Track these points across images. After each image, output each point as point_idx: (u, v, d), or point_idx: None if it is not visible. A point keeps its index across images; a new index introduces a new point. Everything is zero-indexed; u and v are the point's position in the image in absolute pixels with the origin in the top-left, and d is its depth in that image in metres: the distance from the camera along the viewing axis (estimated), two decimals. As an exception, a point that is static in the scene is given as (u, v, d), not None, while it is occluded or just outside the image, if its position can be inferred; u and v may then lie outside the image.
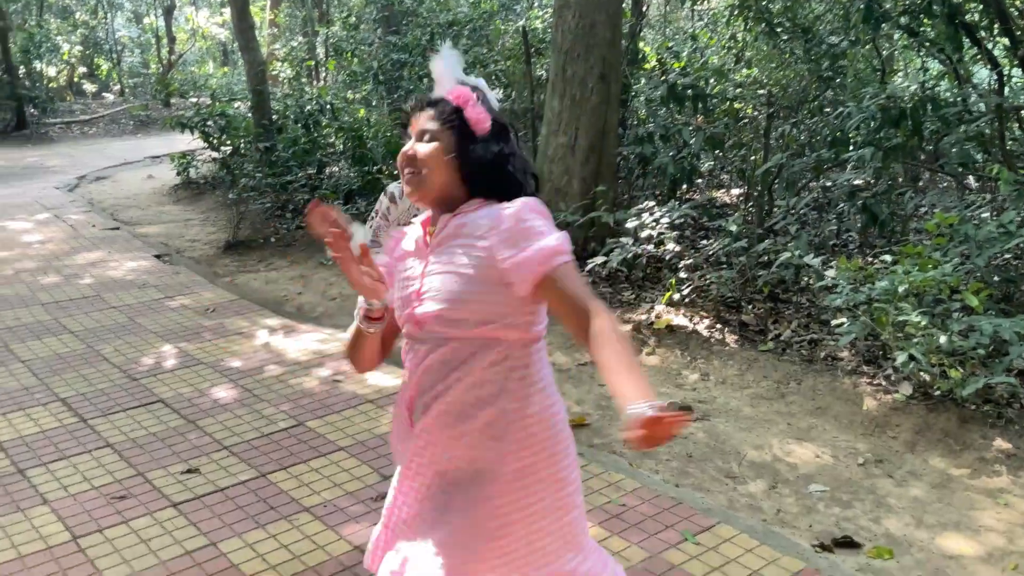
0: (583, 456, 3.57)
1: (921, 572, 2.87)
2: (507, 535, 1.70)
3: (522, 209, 1.66)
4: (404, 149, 1.78)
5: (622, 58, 7.01)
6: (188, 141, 10.84)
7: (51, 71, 20.93)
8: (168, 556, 2.94)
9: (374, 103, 11.09)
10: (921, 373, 3.85)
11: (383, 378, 4.38)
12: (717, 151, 7.22)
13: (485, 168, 1.74)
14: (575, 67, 6.41)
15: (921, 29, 6.55)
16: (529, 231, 1.64)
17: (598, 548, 1.90)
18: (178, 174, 10.38)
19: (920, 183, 7.50)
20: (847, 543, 3.01)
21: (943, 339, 3.62)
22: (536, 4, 13.04)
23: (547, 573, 1.74)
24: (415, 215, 2.75)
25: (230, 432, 3.88)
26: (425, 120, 1.78)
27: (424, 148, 1.75)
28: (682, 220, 5.45)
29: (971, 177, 6.81)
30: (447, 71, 1.83)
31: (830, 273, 4.37)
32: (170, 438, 3.83)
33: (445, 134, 1.75)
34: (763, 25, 7.53)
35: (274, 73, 14.49)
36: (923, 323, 3.68)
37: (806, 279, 5.25)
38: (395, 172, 8.14)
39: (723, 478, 3.51)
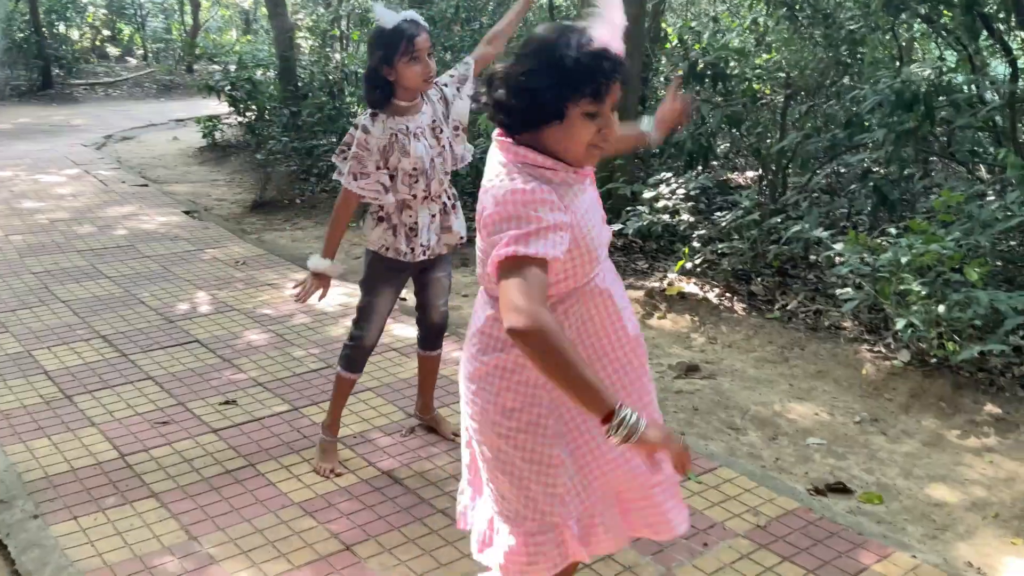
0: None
1: (908, 516, 3.09)
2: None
3: None
4: (608, 127, 1.70)
5: (644, 36, 7.18)
6: (213, 106, 11.06)
7: (75, 34, 21.15)
8: (210, 474, 3.18)
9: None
10: (919, 341, 4.05)
11: (405, 329, 4.61)
12: (734, 130, 7.39)
13: None
14: (599, 42, 6.58)
15: (939, 18, 6.69)
16: None
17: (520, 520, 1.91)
18: (204, 136, 10.60)
19: (932, 170, 7.66)
20: (840, 489, 3.23)
21: (941, 309, 3.82)
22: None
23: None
24: (394, 131, 2.90)
25: (263, 371, 4.12)
26: (618, 89, 1.69)
27: (615, 116, 1.73)
28: (697, 192, 5.64)
29: (982, 167, 6.97)
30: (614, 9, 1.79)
31: (838, 246, 4.56)
32: (207, 374, 4.07)
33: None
34: (784, 9, 7.68)
35: (298, 41, 14.66)
36: (923, 293, 3.88)
37: (814, 256, 5.45)
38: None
39: (726, 429, 3.73)
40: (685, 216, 5.45)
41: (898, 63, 7.84)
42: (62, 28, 19.50)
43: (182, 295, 5.21)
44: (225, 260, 5.97)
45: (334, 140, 9.20)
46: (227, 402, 3.77)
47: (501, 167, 1.73)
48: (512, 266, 1.61)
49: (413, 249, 3.05)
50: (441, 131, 3.02)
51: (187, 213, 7.38)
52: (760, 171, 7.62)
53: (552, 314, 1.65)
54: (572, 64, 1.62)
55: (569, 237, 1.69)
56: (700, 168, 7.77)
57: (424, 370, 3.44)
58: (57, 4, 19.02)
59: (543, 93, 1.63)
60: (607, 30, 1.70)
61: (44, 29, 17.31)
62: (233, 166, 9.86)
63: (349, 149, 2.97)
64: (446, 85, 3.07)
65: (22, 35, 17.12)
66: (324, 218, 7.37)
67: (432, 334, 3.35)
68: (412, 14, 2.90)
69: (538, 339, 1.56)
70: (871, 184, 5.77)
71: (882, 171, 6.00)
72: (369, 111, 2.96)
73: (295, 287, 3.16)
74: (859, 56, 7.45)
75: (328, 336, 4.57)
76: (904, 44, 8.17)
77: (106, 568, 2.64)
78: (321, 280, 3.12)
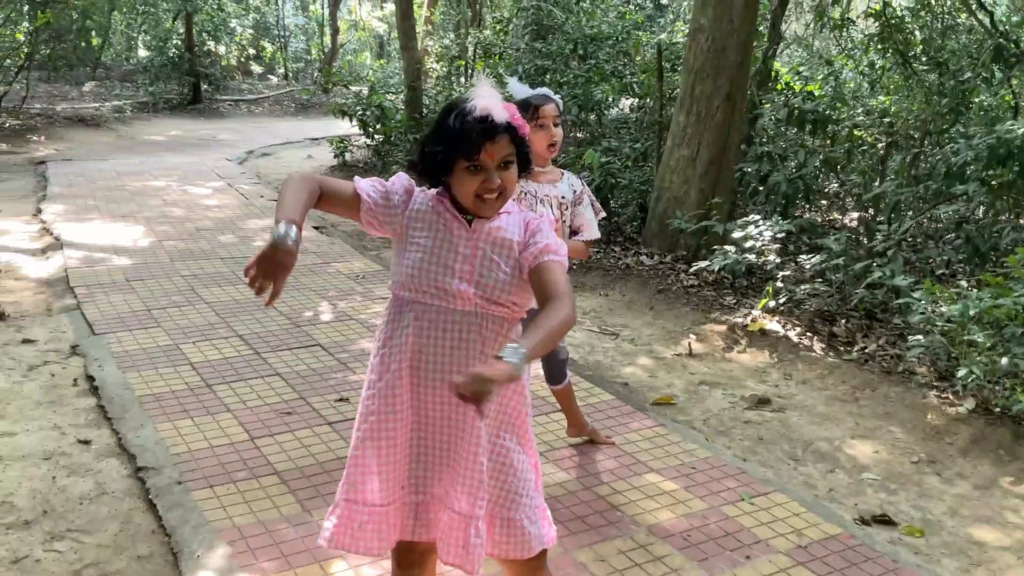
0: (665, 427, 4.16)
1: (946, 550, 3.33)
2: None
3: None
4: (488, 180, 2.02)
5: (749, 80, 7.48)
6: (345, 127, 11.94)
7: (222, 51, 22.82)
8: (324, 459, 3.72)
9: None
10: (984, 390, 4.24)
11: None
12: (833, 174, 7.58)
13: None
14: (703, 86, 6.94)
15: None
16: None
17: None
18: (335, 156, 11.44)
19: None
20: (885, 520, 3.48)
21: (1004, 360, 4.01)
22: (680, 18, 13.49)
23: None
24: (524, 191, 3.32)
25: (373, 375, 4.66)
26: (502, 146, 2.03)
27: (509, 175, 2.06)
28: (784, 235, 5.90)
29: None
30: (487, 86, 2.09)
31: (916, 294, 4.77)
32: (326, 373, 4.65)
33: (515, 156, 2.08)
34: (898, 56, 7.83)
35: (426, 68, 15.53)
36: (988, 344, 4.08)
37: (899, 302, 5.63)
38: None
39: (787, 459, 4.02)
40: (771, 257, 5.73)
41: (1014, 114, 7.85)
42: (212, 46, 21.10)
43: (308, 303, 5.85)
44: (347, 274, 6.61)
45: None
46: (341, 399, 4.32)
47: None
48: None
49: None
50: (566, 209, 3.45)
51: (316, 228, 8.10)
52: (860, 213, 7.77)
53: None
54: (451, 132, 2.02)
55: (381, 192, 2.15)
56: (800, 207, 7.98)
57: (561, 400, 3.86)
58: (209, 24, 20.60)
59: (434, 154, 2.06)
60: (485, 99, 2.03)
61: (196, 47, 18.80)
62: (359, 185, 10.61)
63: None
64: (576, 192, 3.50)
65: (176, 52, 18.66)
66: (438, 239, 7.95)
67: (555, 371, 3.75)
68: (546, 90, 3.38)
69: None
70: (964, 235, 5.91)
71: (976, 223, 6.11)
72: None
73: None
74: (968, 105, 7.52)
75: (432, 348, 5.08)
76: (1020, 95, 8.16)
77: (235, 529, 3.19)
78: None
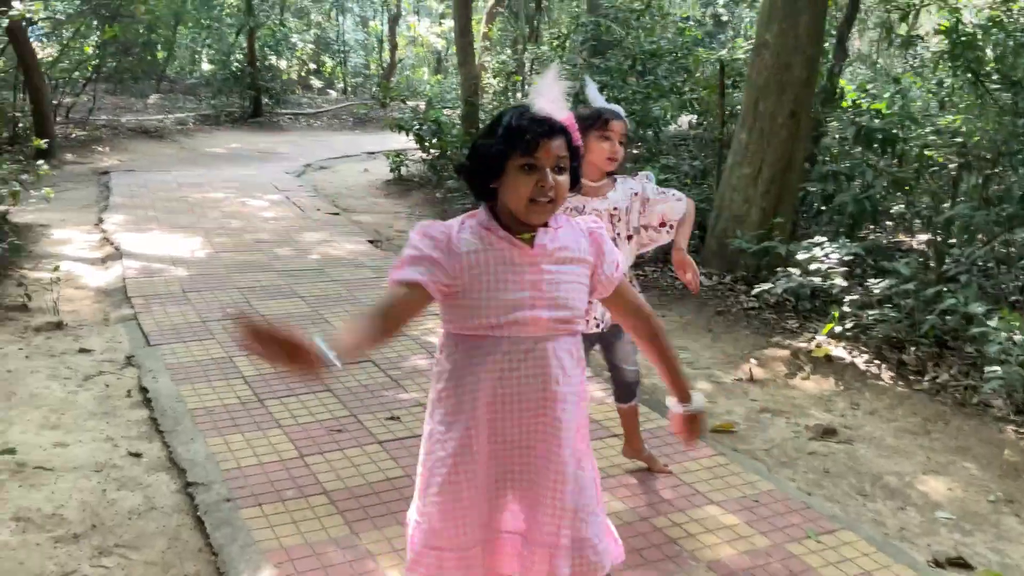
0: (725, 456, 4.00)
1: (1028, 600, 3.12)
2: None
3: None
4: (544, 180, 1.94)
5: (815, 98, 7.28)
6: (401, 141, 11.97)
7: (283, 65, 23.19)
8: (374, 480, 3.64)
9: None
10: (1068, 427, 4.00)
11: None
12: (901, 195, 7.33)
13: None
14: (767, 103, 6.77)
15: None
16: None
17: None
18: (391, 171, 11.48)
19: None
20: (960, 563, 3.28)
21: (1091, 396, 3.77)
22: (740, 35, 13.30)
23: None
24: (569, 207, 3.16)
25: (424, 392, 4.56)
26: (559, 148, 1.96)
27: (562, 180, 1.98)
28: (851, 257, 5.70)
29: None
30: (553, 89, 2.02)
31: (992, 323, 4.54)
32: (377, 390, 4.59)
33: (568, 163, 2.00)
34: (969, 74, 7.56)
35: (483, 83, 15.56)
36: (1073, 378, 3.84)
37: (974, 330, 5.38)
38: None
39: (854, 494, 3.83)
40: (837, 280, 5.53)
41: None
42: (273, 60, 21.45)
43: (360, 318, 5.80)
44: (400, 289, 6.56)
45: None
46: (392, 418, 4.25)
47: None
48: (388, 288, 2.01)
49: (587, 322, 3.25)
50: (619, 220, 3.32)
51: (371, 243, 8.10)
52: (928, 237, 7.49)
53: (386, 326, 1.97)
54: (508, 128, 1.95)
55: (438, 272, 1.97)
56: (866, 228, 7.74)
57: (624, 419, 3.78)
58: (271, 39, 20.95)
59: (487, 154, 1.97)
60: (547, 102, 1.99)
61: (257, 62, 19.12)
62: (415, 199, 10.63)
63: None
64: (636, 193, 3.37)
65: (239, 66, 19.00)
66: (492, 255, 7.88)
67: (624, 391, 3.68)
68: (620, 108, 3.30)
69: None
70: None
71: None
72: None
73: None
74: (1046, 126, 7.21)
75: (485, 367, 5.00)
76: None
77: (282, 550, 3.12)
78: None
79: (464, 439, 2.05)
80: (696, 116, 10.30)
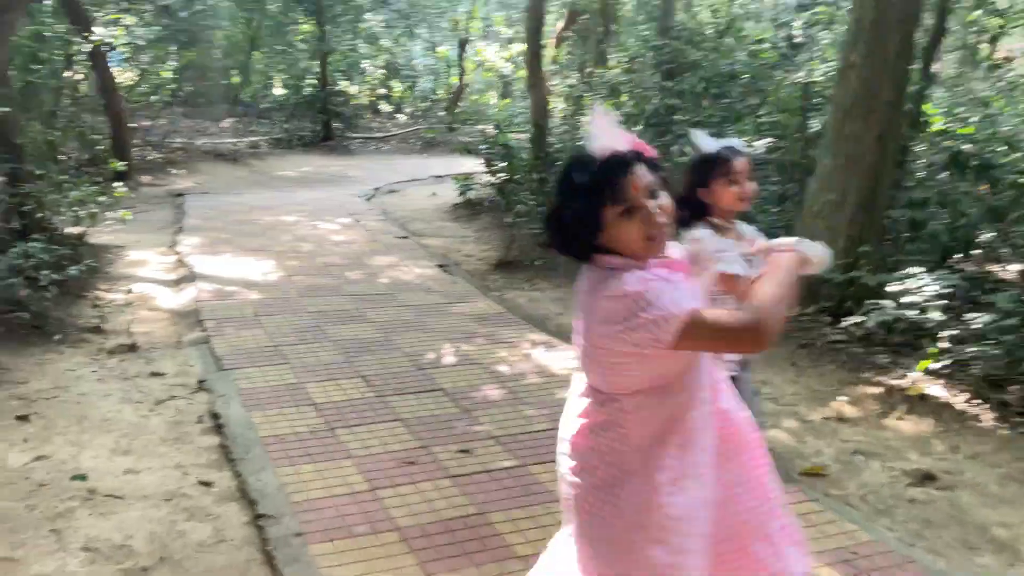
0: (818, 502, 3.75)
1: None
2: None
3: None
4: (650, 215, 1.87)
5: (903, 121, 6.98)
6: (469, 165, 11.94)
7: (353, 90, 23.50)
8: (447, 516, 3.50)
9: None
10: None
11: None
12: (993, 223, 6.96)
13: None
14: (853, 126, 6.49)
15: None
16: None
17: None
18: (460, 194, 11.43)
19: None
20: (1088, 631, 2.98)
21: None
22: (816, 57, 12.99)
23: None
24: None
25: (497, 424, 4.44)
26: (642, 176, 1.89)
27: (664, 201, 1.91)
28: (950, 290, 5.38)
29: None
30: (604, 123, 1.95)
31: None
32: (448, 421, 4.45)
33: (658, 183, 1.92)
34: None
35: (551, 107, 15.47)
36: None
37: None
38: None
39: (959, 547, 3.55)
40: (934, 314, 5.22)
41: None
42: (344, 85, 21.73)
43: (431, 344, 5.70)
44: (470, 315, 6.45)
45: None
46: (464, 451, 4.11)
47: (599, 279, 1.91)
48: (692, 322, 1.79)
49: None
50: (750, 261, 3.12)
51: (440, 267, 8.02)
52: (1022, 267, 7.09)
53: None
54: (585, 183, 1.84)
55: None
56: (958, 258, 7.36)
57: None
58: (343, 64, 21.25)
59: (580, 217, 1.86)
60: (606, 138, 1.88)
61: (329, 86, 19.40)
62: (482, 223, 10.55)
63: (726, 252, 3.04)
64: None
65: (311, 91, 19.30)
66: (562, 281, 7.73)
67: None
68: (734, 141, 3.11)
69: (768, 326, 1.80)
70: None
71: None
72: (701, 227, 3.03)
73: None
74: None
75: (557, 398, 4.82)
76: None
77: (353, 589, 2.99)
78: None
79: (703, 507, 2.01)
80: (773, 140, 10.02)
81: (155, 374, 4.98)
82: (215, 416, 4.43)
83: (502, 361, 5.44)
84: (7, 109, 6.74)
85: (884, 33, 6.35)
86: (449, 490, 3.73)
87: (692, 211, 3.00)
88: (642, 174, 1.87)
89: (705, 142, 3.06)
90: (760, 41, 12.44)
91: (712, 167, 2.99)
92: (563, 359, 5.51)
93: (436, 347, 5.66)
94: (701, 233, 2.95)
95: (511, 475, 3.88)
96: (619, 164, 1.85)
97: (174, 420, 4.39)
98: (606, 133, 1.90)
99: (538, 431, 4.37)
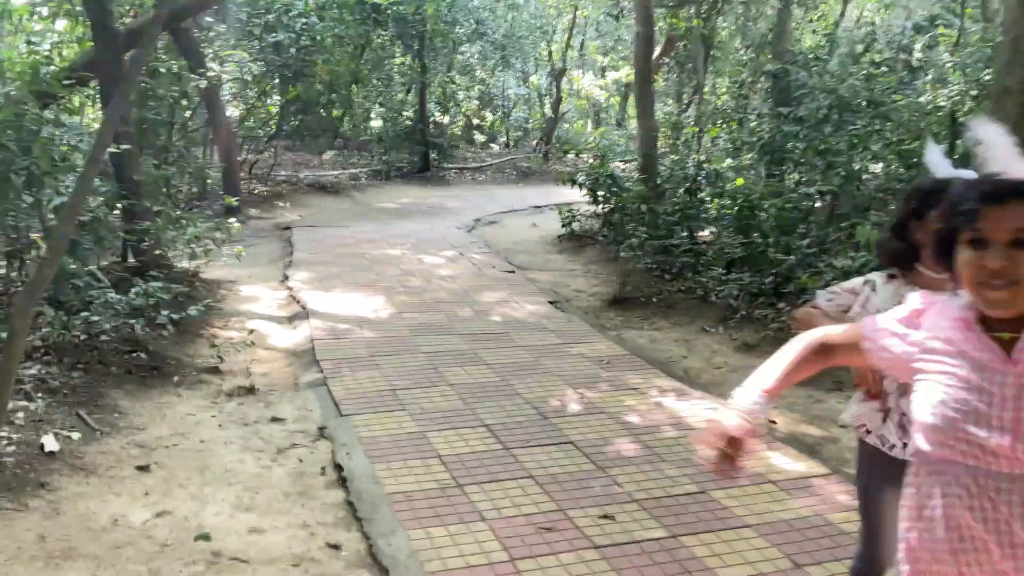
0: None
1: None
2: None
3: None
4: (982, 260, 1.53)
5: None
6: (567, 193, 11.69)
7: (446, 120, 23.61)
8: (596, 595, 3.16)
9: (752, 173, 11.12)
10: None
11: (784, 460, 4.36)
12: None
13: None
14: (1010, 156, 5.95)
15: None
16: None
17: None
18: (563, 225, 11.15)
19: None
20: None
21: None
22: (941, 79, 12.33)
23: None
24: (895, 304, 2.16)
25: (637, 486, 4.08)
26: (1016, 217, 1.51)
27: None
28: None
29: None
30: (998, 139, 1.62)
31: None
32: (584, 480, 4.13)
33: None
34: None
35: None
36: None
37: None
38: (782, 242, 8.12)
39: None
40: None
41: None
42: (440, 116, 21.83)
43: (553, 390, 5.40)
44: (590, 358, 6.12)
45: (684, 236, 9.23)
46: (605, 516, 3.77)
47: None
48: None
49: (906, 444, 2.35)
50: None
51: (552, 303, 7.73)
52: None
53: None
54: (952, 193, 1.64)
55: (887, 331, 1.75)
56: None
57: None
58: (440, 96, 21.36)
59: (940, 228, 1.66)
60: (1004, 155, 1.59)
61: (426, 117, 19.48)
62: (588, 256, 10.23)
63: (842, 293, 2.64)
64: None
65: (409, 123, 19.42)
66: (681, 320, 7.34)
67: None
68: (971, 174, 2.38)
69: None
70: None
71: None
72: (887, 272, 2.55)
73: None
74: None
75: (698, 457, 4.45)
76: None
77: None
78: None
79: None
80: (905, 169, 9.44)
81: (275, 419, 4.81)
82: (338, 468, 4.21)
83: (631, 410, 5.09)
84: (128, 147, 6.78)
85: (1046, 55, 5.81)
86: (595, 562, 3.39)
87: (900, 247, 2.47)
88: (1015, 215, 1.52)
89: (940, 163, 2.24)
90: (877, 64, 11.87)
91: (936, 201, 2.01)
92: (697, 409, 5.13)
93: (558, 393, 5.36)
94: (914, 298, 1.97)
95: (662, 547, 3.52)
96: (990, 189, 1.55)
97: (296, 471, 4.19)
98: (1001, 151, 1.61)
99: (683, 495, 4.00)
